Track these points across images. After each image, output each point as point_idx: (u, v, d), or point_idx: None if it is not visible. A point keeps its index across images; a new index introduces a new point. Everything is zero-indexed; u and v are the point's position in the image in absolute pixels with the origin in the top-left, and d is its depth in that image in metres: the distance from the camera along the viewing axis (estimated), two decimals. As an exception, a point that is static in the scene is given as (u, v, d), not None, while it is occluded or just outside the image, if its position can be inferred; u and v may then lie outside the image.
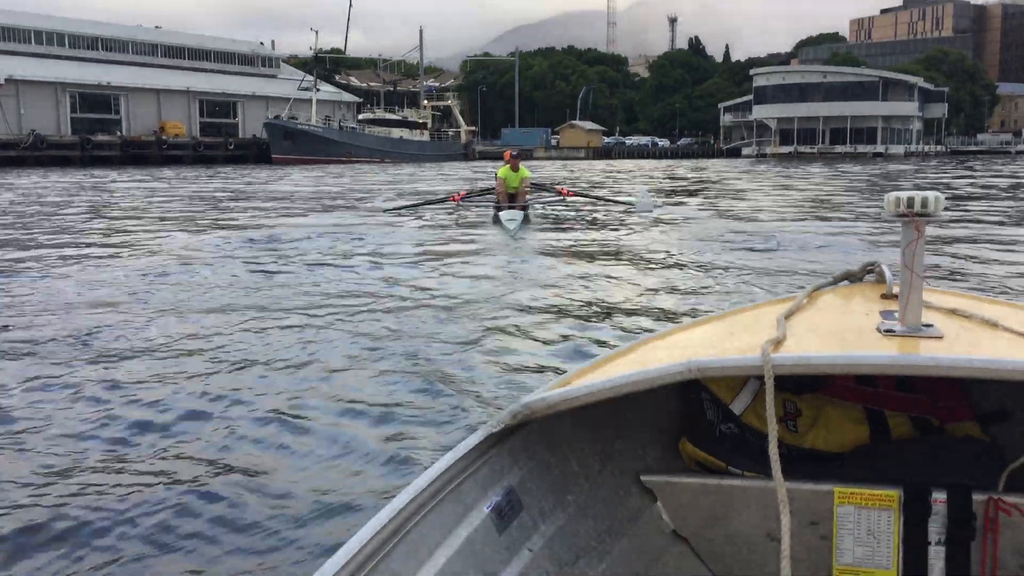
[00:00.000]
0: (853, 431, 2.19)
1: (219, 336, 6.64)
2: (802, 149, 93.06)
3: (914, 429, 2.19)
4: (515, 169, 16.45)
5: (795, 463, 2.03)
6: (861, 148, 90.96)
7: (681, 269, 10.33)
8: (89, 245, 13.25)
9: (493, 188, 17.09)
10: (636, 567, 2.13)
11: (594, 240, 13.71)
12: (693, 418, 2.30)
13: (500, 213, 15.54)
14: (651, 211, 17.81)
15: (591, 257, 11.62)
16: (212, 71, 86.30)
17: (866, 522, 1.95)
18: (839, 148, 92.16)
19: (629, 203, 18.87)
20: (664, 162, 75.46)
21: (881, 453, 2.12)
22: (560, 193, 18.27)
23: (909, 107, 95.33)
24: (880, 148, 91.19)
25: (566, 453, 2.15)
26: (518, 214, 15.39)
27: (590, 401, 1.85)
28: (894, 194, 1.86)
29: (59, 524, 3.40)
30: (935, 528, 1.92)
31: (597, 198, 20.23)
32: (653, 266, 10.71)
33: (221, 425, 4.60)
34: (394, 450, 4.26)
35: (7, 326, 7.01)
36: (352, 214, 19.05)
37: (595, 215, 17.86)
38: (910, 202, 1.83)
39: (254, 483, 3.85)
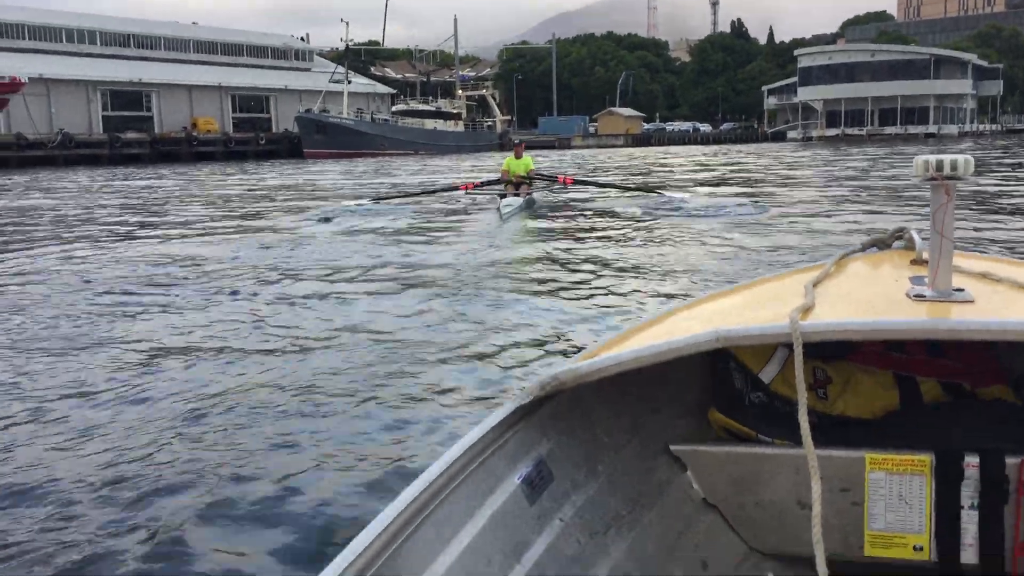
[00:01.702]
0: (883, 397, 2.16)
1: (253, 312, 7.32)
2: (850, 131, 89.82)
3: (945, 394, 2.16)
4: (518, 156, 17.63)
5: (825, 430, 2.03)
6: (912, 129, 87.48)
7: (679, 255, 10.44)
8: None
9: (500, 178, 17.99)
10: (667, 535, 2.15)
11: (581, 225, 14.31)
12: (721, 388, 2.29)
13: (502, 200, 16.25)
14: (683, 203, 16.84)
15: (580, 237, 12.51)
16: (245, 66, 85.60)
17: (898, 488, 1.95)
18: (889, 129, 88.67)
19: (652, 191, 18.68)
20: (706, 148, 73.25)
21: (912, 419, 2.10)
22: (561, 181, 18.77)
23: (962, 85, 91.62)
24: (932, 128, 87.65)
25: (595, 424, 2.15)
26: (517, 201, 16.22)
27: (618, 372, 1.84)
28: (922, 157, 1.82)
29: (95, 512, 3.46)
30: (968, 492, 1.91)
31: (602, 185, 20.34)
32: (651, 249, 11.02)
33: (245, 402, 4.84)
34: (424, 423, 4.47)
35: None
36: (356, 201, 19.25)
37: (599, 202, 18.16)
38: (939, 165, 1.79)
39: (283, 460, 4.02)
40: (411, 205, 18.17)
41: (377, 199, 18.94)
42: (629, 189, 19.54)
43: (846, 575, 1.91)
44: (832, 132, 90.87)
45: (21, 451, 4.20)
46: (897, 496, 1.96)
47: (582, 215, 16.03)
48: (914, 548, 1.95)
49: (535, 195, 18.03)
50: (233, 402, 4.87)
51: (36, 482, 3.80)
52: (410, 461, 3.97)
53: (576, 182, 19.25)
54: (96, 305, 7.83)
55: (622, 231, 13.22)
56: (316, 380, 5.25)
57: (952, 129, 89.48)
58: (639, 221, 14.37)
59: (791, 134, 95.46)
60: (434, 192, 19.80)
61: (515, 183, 17.27)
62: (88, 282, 9.14)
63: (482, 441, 1.79)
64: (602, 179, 22.20)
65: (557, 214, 16.21)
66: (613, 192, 19.30)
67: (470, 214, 16.62)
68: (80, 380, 5.37)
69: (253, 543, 3.25)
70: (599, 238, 12.43)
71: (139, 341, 6.35)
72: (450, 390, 5.08)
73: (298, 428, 4.45)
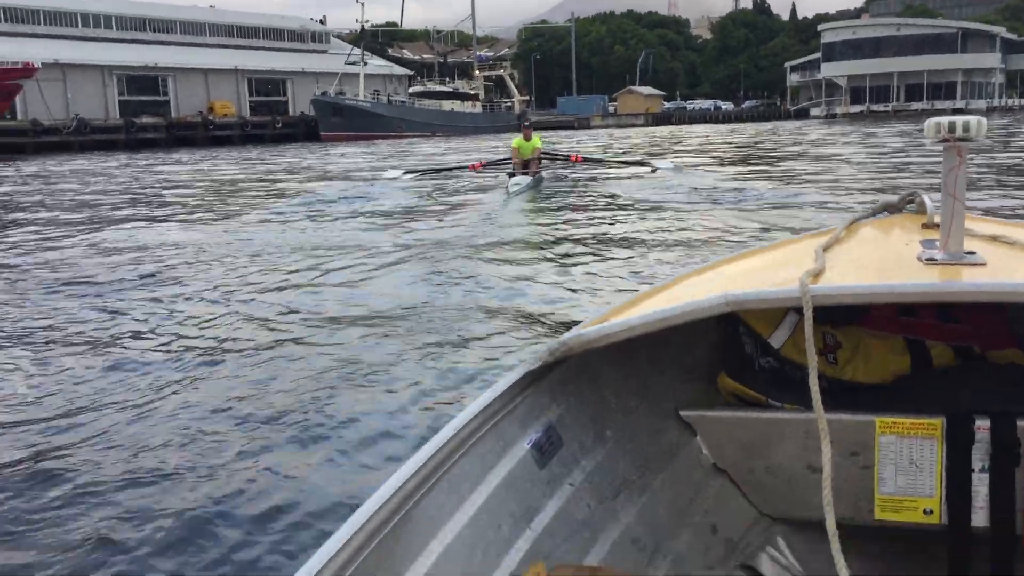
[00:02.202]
0: (894, 362, 2.16)
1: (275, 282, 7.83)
2: (875, 108, 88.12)
3: (956, 358, 2.15)
4: (527, 138, 17.91)
5: (835, 395, 2.04)
6: (939, 104, 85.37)
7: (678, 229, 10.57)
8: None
9: (510, 157, 18.38)
10: (677, 500, 2.16)
11: (585, 201, 14.66)
12: (731, 353, 2.28)
13: (511, 179, 16.81)
14: (676, 171, 18.71)
15: (583, 212, 12.95)
16: (261, 49, 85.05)
17: (908, 451, 1.95)
18: (915, 105, 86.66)
19: (650, 167, 19.35)
20: (727, 127, 72.18)
21: (923, 383, 2.10)
22: (571, 159, 19.25)
23: (991, 59, 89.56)
24: (960, 104, 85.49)
25: (604, 390, 2.16)
26: (525, 179, 16.74)
27: (627, 337, 1.84)
28: (934, 119, 1.82)
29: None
30: (978, 455, 1.91)
31: (611, 162, 20.84)
32: (653, 222, 11.27)
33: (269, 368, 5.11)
34: (437, 384, 4.66)
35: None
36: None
37: (607, 181, 18.42)
38: (951, 126, 1.79)
39: (302, 422, 4.22)
40: (423, 184, 18.92)
41: (410, 172, 20.38)
42: (628, 163, 20.38)
43: (856, 539, 1.89)
44: (856, 109, 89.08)
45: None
46: (908, 460, 1.95)
47: (587, 192, 16.45)
48: (924, 511, 1.94)
49: (543, 174, 18.57)
50: (241, 361, 5.32)
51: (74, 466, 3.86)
52: (420, 426, 4.07)
53: (585, 160, 19.78)
54: (130, 283, 8.33)
55: (625, 206, 13.56)
56: (322, 347, 5.59)
57: (980, 104, 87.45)
58: (641, 196, 14.83)
59: (814, 111, 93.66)
60: (449, 169, 20.40)
61: (524, 163, 17.74)
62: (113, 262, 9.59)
63: (492, 406, 1.78)
64: (610, 157, 22.79)
65: (563, 191, 16.74)
66: (613, 169, 20.15)
67: (480, 192, 17.19)
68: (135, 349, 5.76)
69: (271, 504, 3.40)
70: (601, 213, 12.67)
71: (180, 310, 6.97)
72: (459, 356, 5.29)
73: (305, 393, 4.69)
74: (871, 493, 1.98)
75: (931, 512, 1.94)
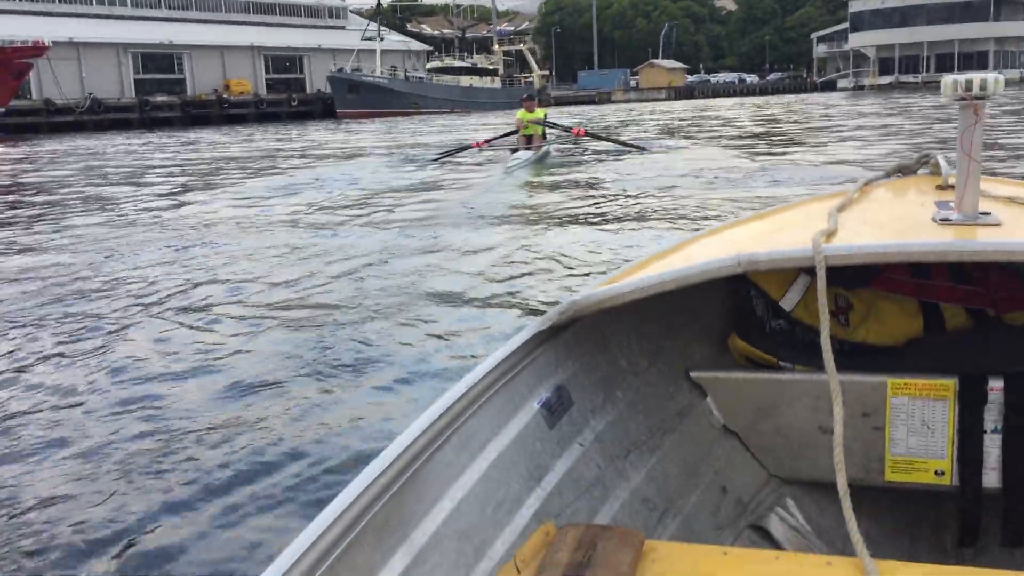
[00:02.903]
0: (907, 324, 2.14)
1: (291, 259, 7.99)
2: (904, 79, 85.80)
3: (970, 320, 2.13)
4: (531, 111, 17.42)
5: (847, 357, 2.03)
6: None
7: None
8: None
9: (514, 132, 17.90)
10: (687, 461, 2.14)
11: (583, 177, 14.42)
12: (742, 315, 2.28)
13: (513, 154, 16.51)
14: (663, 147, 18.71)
15: (579, 187, 12.84)
16: (277, 25, 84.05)
17: (920, 413, 1.95)
18: (946, 76, 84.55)
19: (640, 148, 19.03)
20: (750, 100, 70.70)
21: (936, 345, 2.09)
22: (572, 133, 18.93)
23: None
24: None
25: (614, 350, 2.15)
26: (526, 155, 16.33)
27: (637, 298, 1.83)
28: (951, 77, 1.81)
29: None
30: (991, 416, 1.91)
31: (611, 140, 20.42)
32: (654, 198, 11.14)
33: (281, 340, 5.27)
34: (446, 345, 4.95)
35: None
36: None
37: (611, 155, 18.12)
38: (968, 84, 1.78)
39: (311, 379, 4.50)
40: (431, 164, 18.66)
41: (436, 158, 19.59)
42: (626, 144, 19.52)
43: (867, 500, 1.87)
44: (885, 80, 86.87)
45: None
46: (919, 421, 1.94)
47: (588, 167, 16.16)
48: (936, 473, 1.94)
49: (552, 148, 18.22)
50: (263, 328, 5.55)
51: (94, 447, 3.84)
52: (428, 386, 4.20)
53: (587, 134, 19.52)
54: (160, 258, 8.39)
55: (627, 181, 13.44)
56: (330, 314, 5.81)
57: (1014, 74, 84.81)
58: (645, 174, 14.60)
59: (842, 83, 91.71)
60: (451, 153, 19.78)
61: (527, 137, 17.31)
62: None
63: (502, 366, 1.77)
64: (611, 136, 21.72)
65: (563, 167, 16.30)
66: (614, 146, 19.58)
67: (480, 167, 16.99)
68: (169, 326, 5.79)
69: (279, 459, 3.53)
70: (598, 189, 12.54)
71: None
72: (461, 321, 5.48)
73: (314, 353, 4.92)
74: (882, 454, 1.96)
75: (942, 474, 1.92)
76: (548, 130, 18.09)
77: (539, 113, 17.71)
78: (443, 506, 1.53)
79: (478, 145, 18.78)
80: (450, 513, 1.53)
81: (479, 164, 17.59)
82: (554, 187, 13.06)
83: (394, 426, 3.62)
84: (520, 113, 17.59)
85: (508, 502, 1.67)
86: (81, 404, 4.35)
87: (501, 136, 18.72)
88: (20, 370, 4.99)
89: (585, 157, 18.28)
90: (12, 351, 5.37)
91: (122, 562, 2.90)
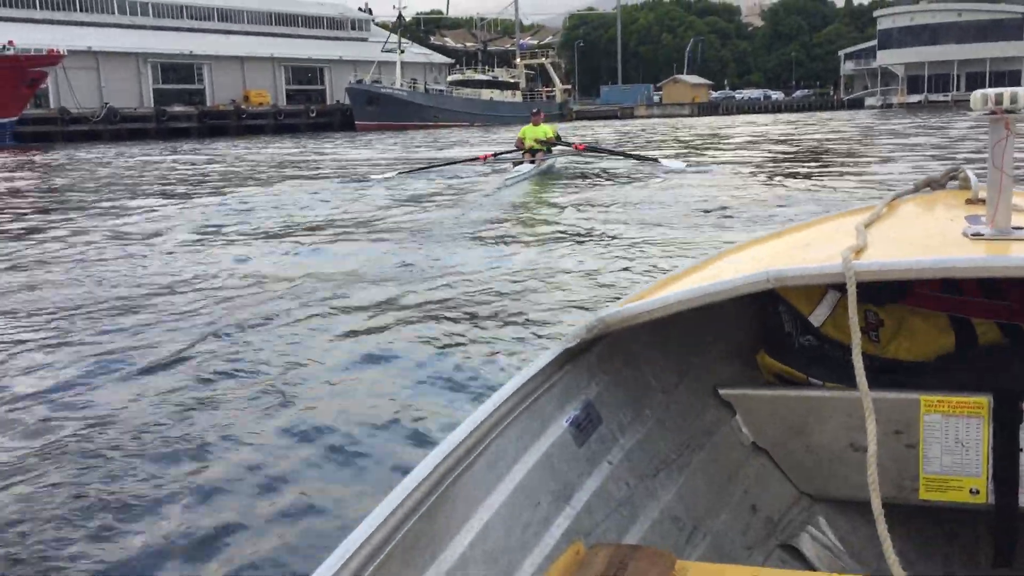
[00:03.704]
0: (938, 340, 2.11)
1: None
2: (933, 98, 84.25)
3: (1003, 336, 2.10)
4: (536, 126, 17.62)
5: (878, 374, 1.97)
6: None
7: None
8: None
9: (516, 147, 18.11)
10: (716, 479, 2.13)
11: (580, 191, 14.66)
12: (770, 331, 2.28)
13: (514, 168, 16.54)
14: (681, 169, 17.69)
15: (573, 201, 13.06)
16: (299, 36, 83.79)
17: (954, 430, 1.91)
18: (976, 91, 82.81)
19: (654, 160, 18.85)
20: (775, 118, 69.55)
21: (968, 361, 2.06)
22: (575, 147, 18.90)
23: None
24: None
25: (643, 367, 2.14)
26: (526, 168, 16.36)
27: (666, 314, 1.82)
28: (981, 91, 1.80)
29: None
30: None
31: (617, 153, 20.44)
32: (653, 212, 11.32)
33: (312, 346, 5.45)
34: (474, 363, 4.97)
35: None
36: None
37: (616, 171, 18.11)
38: (998, 98, 1.76)
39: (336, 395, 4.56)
40: (434, 173, 18.75)
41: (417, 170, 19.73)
42: (633, 156, 19.60)
43: (899, 519, 1.83)
44: (914, 99, 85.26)
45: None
46: (953, 439, 1.90)
47: (587, 182, 16.22)
48: (970, 491, 1.90)
49: (556, 161, 18.31)
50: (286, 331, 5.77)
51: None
52: (457, 405, 4.28)
53: (588, 149, 19.63)
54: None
55: (626, 195, 13.56)
56: (343, 328, 5.87)
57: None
58: (644, 186, 14.82)
59: (869, 101, 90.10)
60: (458, 163, 20.07)
61: (530, 151, 17.36)
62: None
63: (530, 384, 1.76)
64: (616, 149, 22.30)
65: (565, 181, 16.46)
66: (621, 160, 19.67)
67: (481, 179, 17.19)
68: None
69: (311, 477, 3.54)
70: (593, 204, 12.51)
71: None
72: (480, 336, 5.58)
73: (344, 366, 5.02)
74: (916, 472, 1.93)
75: (977, 492, 1.89)
76: (551, 145, 18.16)
77: (544, 128, 17.83)
78: (472, 526, 1.51)
79: (484, 158, 18.94)
80: (479, 533, 1.51)
81: (484, 175, 17.81)
82: (546, 201, 13.33)
83: (421, 448, 3.65)
84: (524, 129, 17.92)
85: (537, 521, 1.65)
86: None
87: (509, 152, 18.80)
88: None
89: (588, 171, 18.33)
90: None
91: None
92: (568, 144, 18.96)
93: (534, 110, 18.80)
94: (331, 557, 1.24)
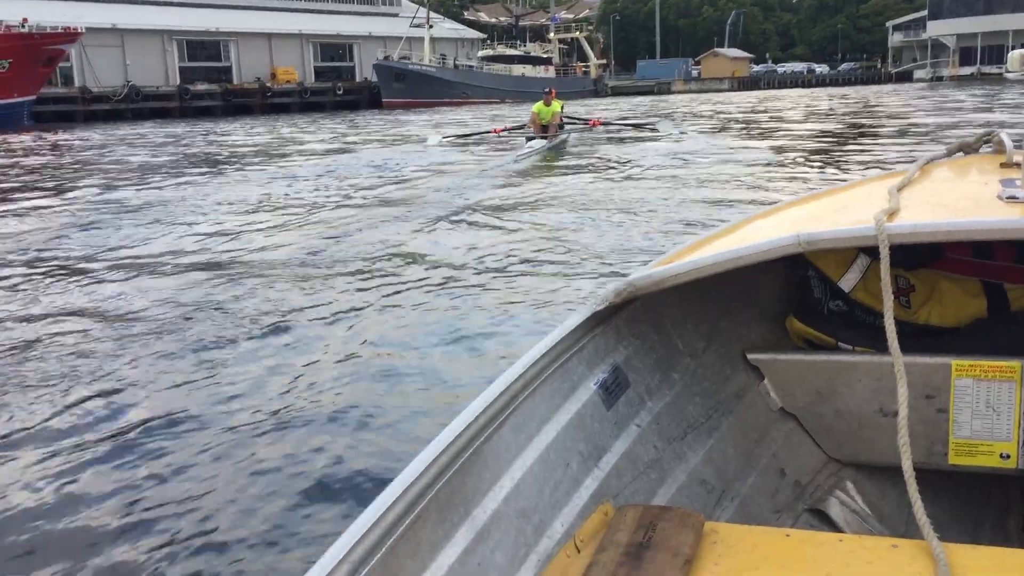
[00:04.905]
0: (970, 305, 2.10)
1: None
2: (986, 70, 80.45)
3: None
4: (548, 104, 17.97)
5: (909, 338, 1.97)
6: (1059, 66, 77.81)
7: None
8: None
9: (529, 122, 18.59)
10: (744, 443, 2.13)
11: (592, 166, 14.76)
12: (799, 296, 2.27)
13: (526, 143, 17.08)
14: (679, 135, 19.12)
15: (584, 176, 13.15)
16: (327, 12, 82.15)
17: (985, 395, 1.91)
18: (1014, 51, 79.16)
19: (653, 127, 20.17)
20: (818, 91, 66.76)
21: (1001, 326, 2.05)
22: (590, 123, 20.04)
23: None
24: (1083, 64, 77.70)
25: (671, 331, 2.14)
26: (537, 144, 16.73)
27: (695, 278, 1.82)
28: (1018, 51, 1.85)
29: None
30: None
31: (626, 124, 21.73)
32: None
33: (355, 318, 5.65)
34: (504, 322, 5.19)
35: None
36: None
37: (627, 145, 18.53)
38: None
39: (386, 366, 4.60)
40: (457, 147, 19.45)
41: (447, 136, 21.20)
42: (639, 125, 21.04)
43: (929, 484, 1.81)
44: (966, 71, 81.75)
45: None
46: (984, 403, 1.89)
47: (604, 156, 16.37)
48: (1001, 456, 1.90)
49: (568, 136, 18.72)
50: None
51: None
52: (485, 365, 4.42)
53: (604, 123, 20.79)
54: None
55: (633, 168, 13.79)
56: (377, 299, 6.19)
57: (1107, 64, 79.26)
58: (653, 159, 15.06)
59: (918, 73, 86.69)
60: (476, 134, 21.05)
61: (542, 127, 17.72)
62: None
63: (559, 346, 1.77)
64: (627, 121, 23.17)
65: (579, 155, 16.82)
66: (629, 132, 20.73)
67: (495, 152, 17.67)
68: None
69: (344, 435, 3.69)
70: (606, 179, 12.61)
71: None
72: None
73: (374, 337, 5.17)
74: (946, 437, 1.93)
75: (1008, 457, 1.88)
76: (566, 120, 18.80)
77: (556, 106, 18.13)
78: (503, 485, 1.53)
79: (496, 132, 19.66)
80: (510, 492, 1.53)
81: (499, 149, 18.27)
82: (556, 173, 13.64)
83: (452, 408, 3.55)
84: (537, 106, 18.24)
85: (566, 482, 1.66)
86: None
87: (518, 127, 19.50)
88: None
89: (600, 147, 18.61)
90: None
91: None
92: (584, 121, 19.99)
93: (546, 89, 18.99)
94: (365, 513, 1.25)
